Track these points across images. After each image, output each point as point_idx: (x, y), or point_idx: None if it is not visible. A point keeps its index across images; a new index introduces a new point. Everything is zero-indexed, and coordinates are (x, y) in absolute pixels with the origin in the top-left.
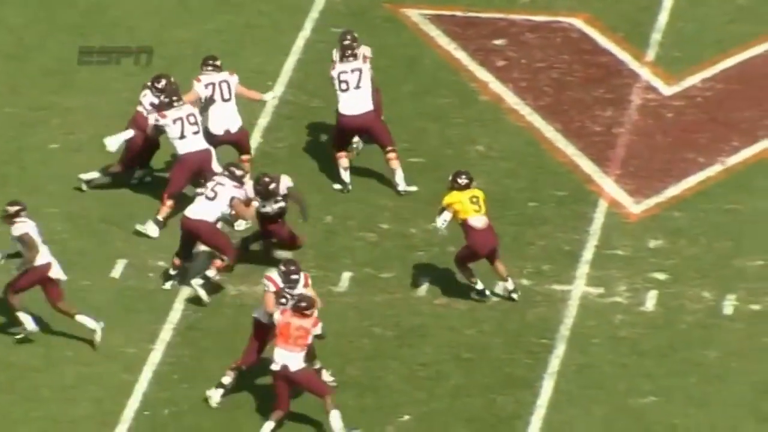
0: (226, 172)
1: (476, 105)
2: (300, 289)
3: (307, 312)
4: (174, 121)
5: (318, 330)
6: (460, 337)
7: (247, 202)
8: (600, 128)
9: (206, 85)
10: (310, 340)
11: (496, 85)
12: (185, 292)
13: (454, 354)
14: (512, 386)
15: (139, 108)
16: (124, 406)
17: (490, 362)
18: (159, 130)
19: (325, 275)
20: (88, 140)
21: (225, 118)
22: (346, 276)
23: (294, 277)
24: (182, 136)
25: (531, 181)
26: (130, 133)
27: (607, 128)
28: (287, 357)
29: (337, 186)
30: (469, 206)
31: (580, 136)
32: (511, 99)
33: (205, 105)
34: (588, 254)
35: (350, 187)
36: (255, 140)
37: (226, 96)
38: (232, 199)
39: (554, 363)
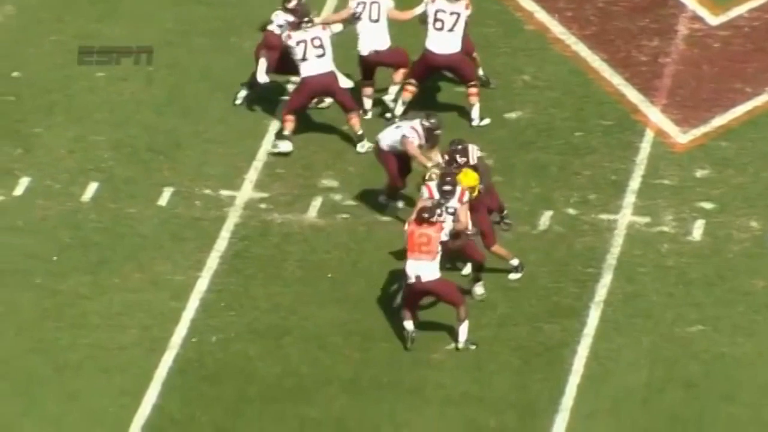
0: (422, 121)
1: (522, 34)
2: (454, 203)
3: (430, 220)
4: (297, 43)
5: (443, 236)
6: (507, 266)
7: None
8: (646, 58)
9: (358, 4)
10: (437, 247)
11: (541, 15)
12: (231, 220)
13: (500, 283)
14: (559, 315)
15: (270, 27)
16: (172, 333)
17: (537, 291)
18: (288, 50)
19: (370, 203)
20: (134, 69)
21: (373, 39)
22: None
23: (448, 188)
24: (304, 59)
25: (577, 110)
26: (263, 62)
27: (653, 58)
28: (418, 268)
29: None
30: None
31: (627, 66)
32: (556, 28)
33: (352, 24)
34: (634, 184)
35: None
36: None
37: (375, 17)
38: (404, 137)
39: (601, 292)
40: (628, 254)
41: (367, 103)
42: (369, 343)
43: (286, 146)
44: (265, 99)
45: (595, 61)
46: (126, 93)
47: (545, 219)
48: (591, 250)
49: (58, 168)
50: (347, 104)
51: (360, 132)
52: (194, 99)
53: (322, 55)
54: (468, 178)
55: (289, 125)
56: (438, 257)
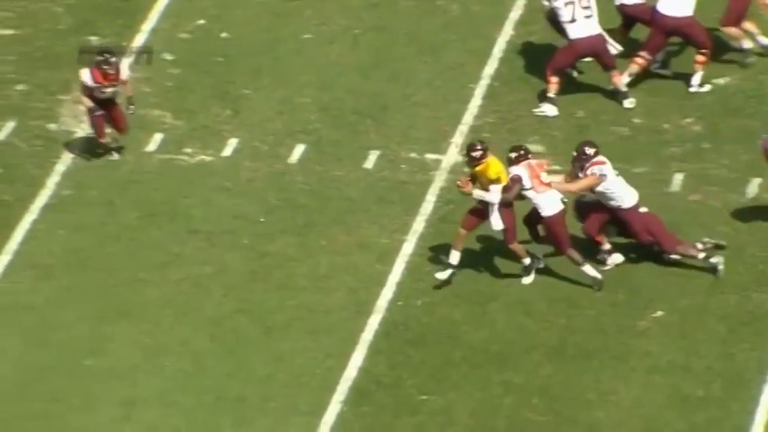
0: None
1: None
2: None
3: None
4: (565, 5)
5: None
6: (713, 234)
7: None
8: None
9: None
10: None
11: None
12: (437, 184)
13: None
14: (767, 284)
15: None
16: (378, 295)
17: (744, 260)
18: (554, 12)
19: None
20: (340, 32)
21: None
22: None
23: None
24: (572, 20)
25: None
26: None
27: None
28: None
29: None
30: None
31: None
32: None
33: None
34: None
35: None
36: (506, 33)
37: None
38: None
39: None
40: None
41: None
42: (574, 310)
43: (551, 110)
44: (471, 63)
45: None
46: (332, 56)
47: (753, 187)
48: None
49: (265, 130)
50: (609, 63)
51: (624, 89)
52: (401, 62)
53: (590, 16)
54: (493, 168)
55: (554, 87)
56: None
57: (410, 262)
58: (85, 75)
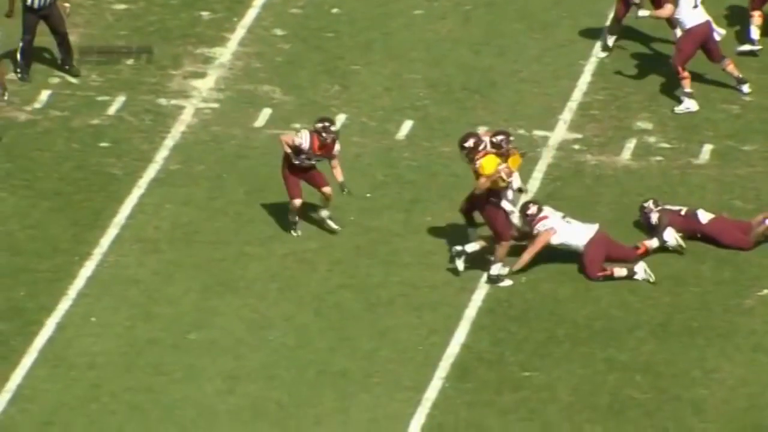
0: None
1: None
2: None
3: None
4: None
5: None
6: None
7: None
8: None
9: None
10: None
11: None
12: (544, 160)
13: None
14: None
15: None
16: (482, 272)
17: None
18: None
19: (686, 147)
20: (451, 7)
21: None
22: (707, 148)
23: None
24: (695, 6)
25: None
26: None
27: None
28: None
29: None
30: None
31: None
32: None
33: None
34: None
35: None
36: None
37: None
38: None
39: None
40: None
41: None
42: (679, 288)
43: (693, 105)
44: (581, 40)
45: None
46: (443, 31)
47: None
48: None
49: (374, 105)
50: (716, 53)
51: (740, 75)
52: (511, 38)
53: (697, 6)
54: (488, 164)
55: (687, 81)
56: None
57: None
58: (304, 137)
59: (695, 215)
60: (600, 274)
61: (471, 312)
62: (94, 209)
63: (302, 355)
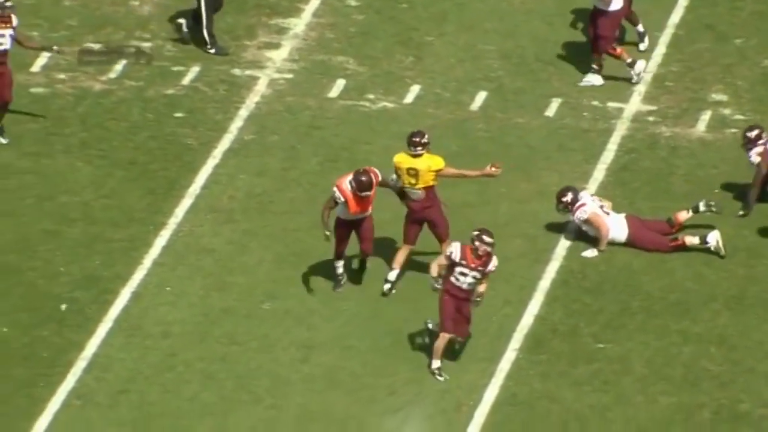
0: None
1: None
2: None
3: None
4: None
5: None
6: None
7: None
8: None
9: None
10: None
11: None
12: (618, 132)
13: None
14: None
15: None
16: (556, 244)
17: None
18: None
19: (761, 119)
20: None
21: None
22: None
23: None
24: None
25: None
26: None
27: None
28: None
29: None
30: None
31: None
32: None
33: None
34: None
35: None
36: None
37: None
38: None
39: None
40: None
41: None
42: (754, 260)
43: (597, 80)
44: (655, 11)
45: None
46: (516, 2)
47: None
48: None
49: (447, 77)
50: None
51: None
52: (584, 10)
53: None
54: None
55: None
56: None
57: None
58: (455, 249)
59: None
60: (672, 244)
61: (545, 283)
62: (169, 179)
63: (376, 325)
